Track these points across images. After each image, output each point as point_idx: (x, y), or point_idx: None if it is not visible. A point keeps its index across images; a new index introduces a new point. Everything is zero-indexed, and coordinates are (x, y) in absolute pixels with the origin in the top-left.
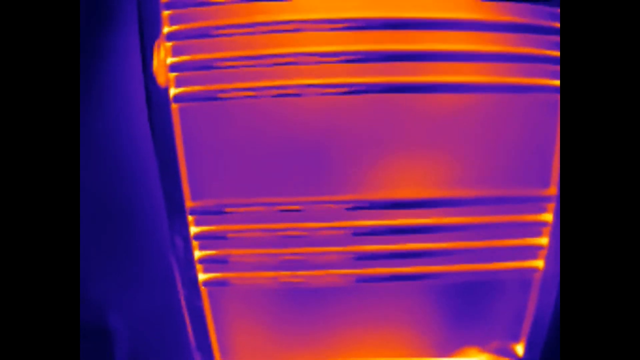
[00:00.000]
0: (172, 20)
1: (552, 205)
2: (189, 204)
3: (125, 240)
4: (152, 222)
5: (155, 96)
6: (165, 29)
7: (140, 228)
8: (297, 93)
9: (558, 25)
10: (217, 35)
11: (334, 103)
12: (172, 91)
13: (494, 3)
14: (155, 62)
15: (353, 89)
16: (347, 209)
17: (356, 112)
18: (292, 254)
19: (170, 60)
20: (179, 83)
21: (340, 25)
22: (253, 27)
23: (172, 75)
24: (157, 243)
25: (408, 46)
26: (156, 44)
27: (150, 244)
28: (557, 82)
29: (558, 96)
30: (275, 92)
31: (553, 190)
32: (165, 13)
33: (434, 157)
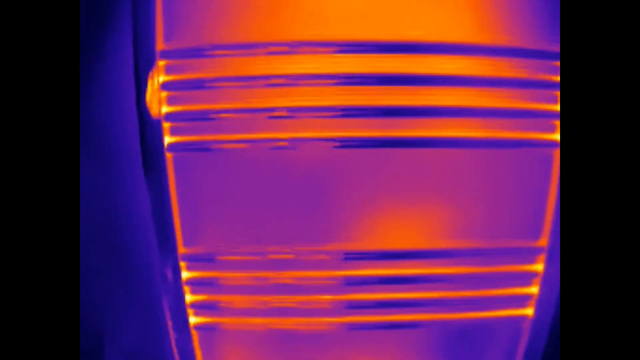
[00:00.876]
0: (168, 70)
1: (543, 256)
2: (181, 250)
3: (119, 281)
4: (145, 264)
5: (150, 142)
6: (161, 78)
7: (134, 269)
8: (291, 146)
9: (556, 78)
10: (212, 87)
11: (327, 154)
12: (167, 139)
13: (491, 58)
14: (149, 93)
15: (347, 143)
16: (339, 258)
17: (349, 163)
18: (283, 301)
19: (165, 109)
20: (173, 132)
21: (336, 81)
22: (248, 80)
23: (167, 124)
24: (150, 286)
25: (403, 101)
26: (150, 74)
27: (143, 286)
28: (552, 136)
29: (552, 149)
30: (269, 144)
31: (544, 241)
32: (161, 63)
33: (426, 208)
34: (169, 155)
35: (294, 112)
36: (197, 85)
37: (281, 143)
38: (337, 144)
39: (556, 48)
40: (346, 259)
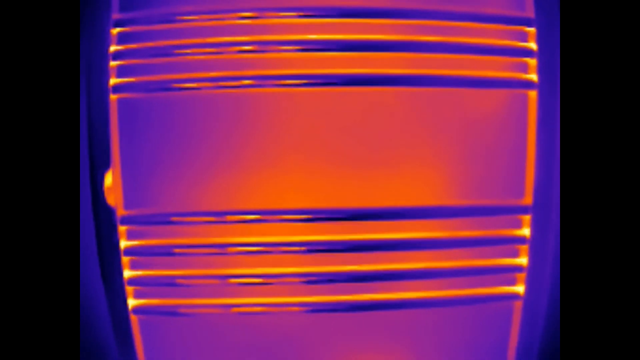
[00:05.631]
0: (130, 236)
1: None
2: None
3: None
4: None
5: (115, 307)
6: (122, 244)
7: None
8: (261, 312)
9: (517, 232)
10: (178, 254)
11: (297, 318)
12: (131, 302)
13: (456, 219)
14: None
15: (317, 308)
16: None
17: (320, 326)
18: None
19: (128, 274)
20: (137, 295)
21: (305, 248)
22: (216, 248)
23: (131, 288)
24: None
25: (370, 267)
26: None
27: None
28: (513, 289)
29: (513, 302)
30: (238, 310)
31: None
32: (122, 228)
33: (401, 354)
34: (134, 318)
35: (264, 278)
36: (163, 251)
37: (250, 309)
38: (308, 308)
39: (516, 202)
40: None
